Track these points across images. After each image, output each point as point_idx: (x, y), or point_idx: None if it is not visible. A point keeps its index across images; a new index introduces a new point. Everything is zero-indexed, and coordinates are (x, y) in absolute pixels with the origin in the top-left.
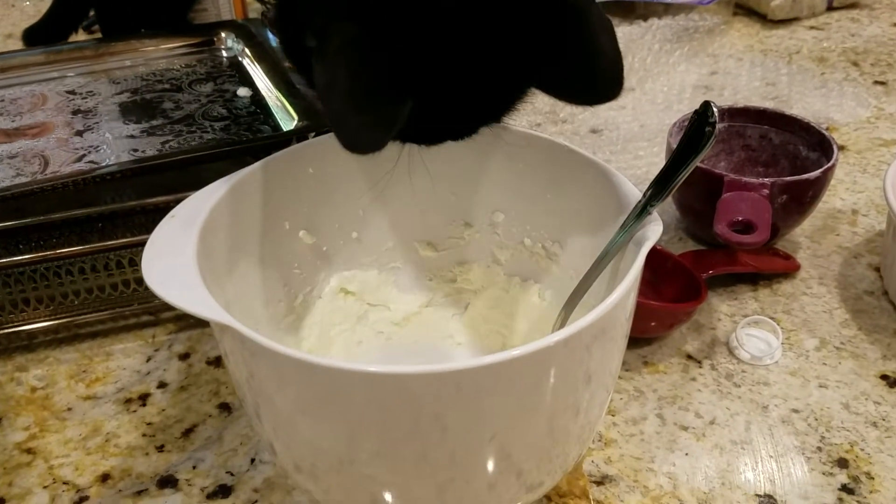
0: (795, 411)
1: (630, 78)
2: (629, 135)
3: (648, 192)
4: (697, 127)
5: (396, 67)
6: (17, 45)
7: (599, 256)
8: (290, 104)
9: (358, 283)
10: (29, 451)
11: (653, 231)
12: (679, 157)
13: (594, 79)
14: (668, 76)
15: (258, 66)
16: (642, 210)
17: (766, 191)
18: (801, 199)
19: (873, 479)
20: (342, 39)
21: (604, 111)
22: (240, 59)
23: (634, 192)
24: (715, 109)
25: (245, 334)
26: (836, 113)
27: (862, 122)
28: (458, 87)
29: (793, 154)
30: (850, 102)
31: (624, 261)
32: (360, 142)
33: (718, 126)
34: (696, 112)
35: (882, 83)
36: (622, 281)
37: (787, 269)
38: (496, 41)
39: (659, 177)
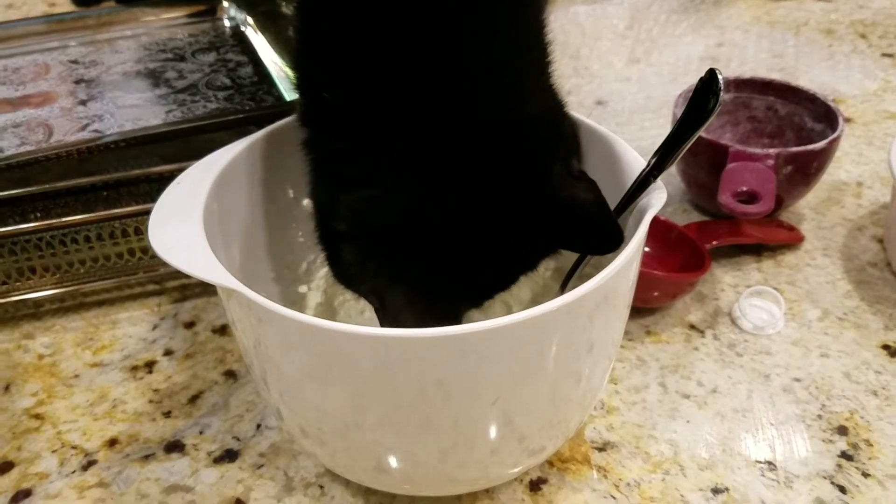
0: (797, 380)
1: (636, 49)
2: (635, 106)
3: (652, 161)
4: (702, 95)
5: (447, 302)
6: (18, 14)
7: None
8: None
9: None
10: (37, 416)
11: (657, 199)
12: (683, 126)
13: (597, 239)
14: (674, 48)
15: (261, 36)
16: (646, 178)
17: (771, 161)
18: (806, 170)
19: (872, 446)
20: (400, 301)
21: (609, 83)
22: (242, 28)
23: (638, 161)
24: (720, 77)
25: (252, 298)
26: (843, 85)
27: (869, 94)
28: (492, 279)
29: (798, 125)
30: (857, 75)
31: (627, 229)
32: None
33: (723, 95)
34: (701, 80)
35: (890, 55)
36: (625, 248)
37: (790, 240)
38: (510, 243)
39: (663, 145)
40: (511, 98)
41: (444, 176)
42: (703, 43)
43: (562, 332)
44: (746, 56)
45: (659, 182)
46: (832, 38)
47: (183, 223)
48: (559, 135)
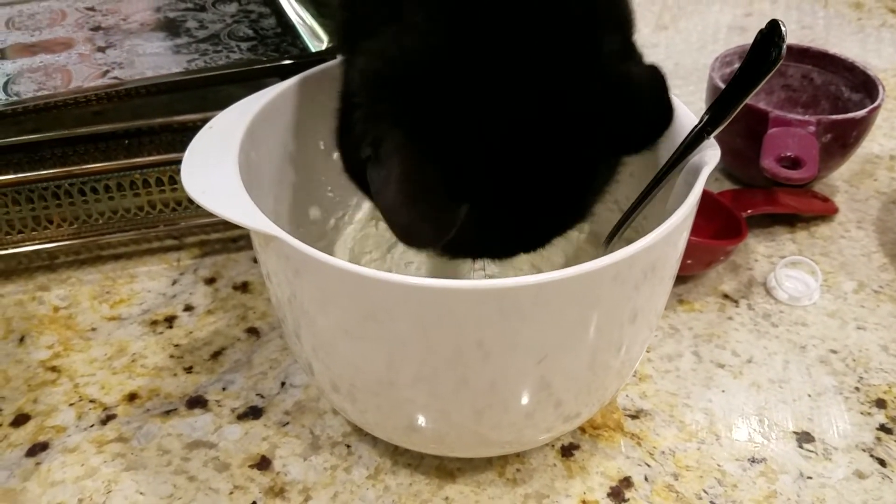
0: (833, 352)
1: (664, 16)
2: None
3: (706, 117)
4: (762, 48)
5: (448, 171)
6: None
7: (649, 185)
8: (319, 25)
9: None
10: (53, 369)
11: (710, 157)
12: (741, 79)
13: (649, 115)
14: (702, 16)
15: None
16: (698, 134)
17: (812, 128)
18: (844, 139)
19: None
20: (394, 144)
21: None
22: None
23: (689, 117)
24: (783, 28)
25: (292, 245)
26: (873, 59)
27: None
28: (516, 192)
29: (834, 95)
30: (888, 49)
31: (677, 190)
32: (414, 234)
33: (785, 46)
34: (761, 32)
35: None
36: (682, 203)
37: (825, 211)
38: (554, 139)
39: (717, 100)
40: None
41: (476, 24)
42: (731, 12)
43: (606, 296)
44: None
45: (712, 139)
46: (861, 11)
47: (218, 168)
48: (621, 8)
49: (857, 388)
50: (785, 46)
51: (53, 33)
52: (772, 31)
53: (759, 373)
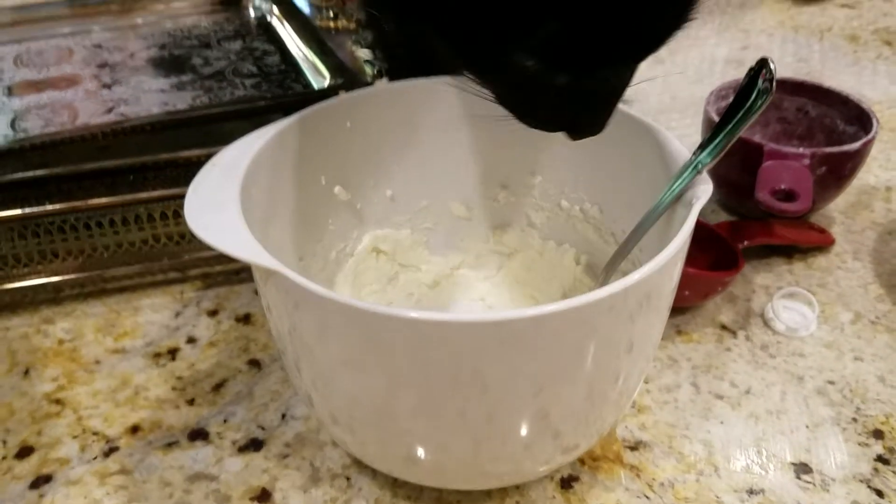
0: (831, 383)
1: (661, 49)
2: (660, 106)
3: (699, 152)
4: (753, 84)
5: None
6: None
7: (644, 218)
8: (322, 62)
9: (390, 243)
10: (57, 401)
11: (703, 191)
12: (732, 115)
13: None
14: (699, 49)
15: (287, 25)
16: (692, 169)
17: (806, 161)
18: (839, 171)
19: None
20: None
21: (633, 81)
22: (268, 18)
23: (682, 152)
24: (773, 65)
25: (292, 279)
26: (868, 90)
27: (895, 100)
28: None
29: (829, 127)
30: (883, 80)
31: (670, 223)
32: None
33: (776, 83)
34: (751, 69)
35: None
36: (674, 238)
37: (822, 242)
38: None
39: (710, 136)
40: None
41: None
42: (727, 46)
43: (603, 328)
44: None
45: (705, 174)
46: (856, 44)
47: (221, 204)
48: None
49: (854, 419)
50: (774, 84)
51: (61, 70)
52: (761, 69)
53: (757, 404)
